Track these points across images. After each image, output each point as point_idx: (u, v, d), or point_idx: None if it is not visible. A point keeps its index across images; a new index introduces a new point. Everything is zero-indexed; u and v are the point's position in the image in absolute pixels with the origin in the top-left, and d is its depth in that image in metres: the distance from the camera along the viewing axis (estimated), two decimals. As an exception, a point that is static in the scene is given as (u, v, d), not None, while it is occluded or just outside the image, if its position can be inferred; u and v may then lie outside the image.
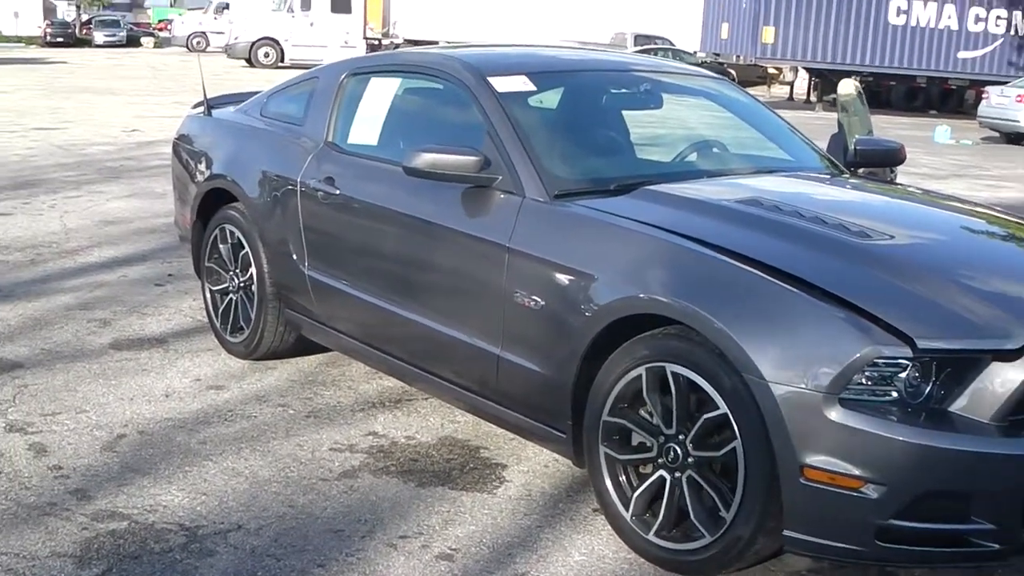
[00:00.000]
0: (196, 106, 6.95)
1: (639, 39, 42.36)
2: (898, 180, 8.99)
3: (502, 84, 4.89)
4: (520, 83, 4.96)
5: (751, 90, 7.69)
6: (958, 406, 3.44)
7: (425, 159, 4.50)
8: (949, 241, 4.47)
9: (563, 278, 4.15)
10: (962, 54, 33.87)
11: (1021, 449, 3.40)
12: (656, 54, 30.88)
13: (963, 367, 3.45)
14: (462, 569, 3.88)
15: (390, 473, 4.65)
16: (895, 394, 3.43)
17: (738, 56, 35.02)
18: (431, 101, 5.50)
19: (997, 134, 26.12)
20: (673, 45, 41.67)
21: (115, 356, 6.02)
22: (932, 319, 3.53)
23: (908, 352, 3.38)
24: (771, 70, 41.33)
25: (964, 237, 4.61)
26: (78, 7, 60.64)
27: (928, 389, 3.45)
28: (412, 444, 4.97)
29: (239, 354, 6.03)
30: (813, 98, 35.85)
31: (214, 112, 6.68)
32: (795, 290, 3.61)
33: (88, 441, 4.85)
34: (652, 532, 3.90)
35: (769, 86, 41.51)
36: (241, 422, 5.15)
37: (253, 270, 5.83)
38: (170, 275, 7.89)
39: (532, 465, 4.78)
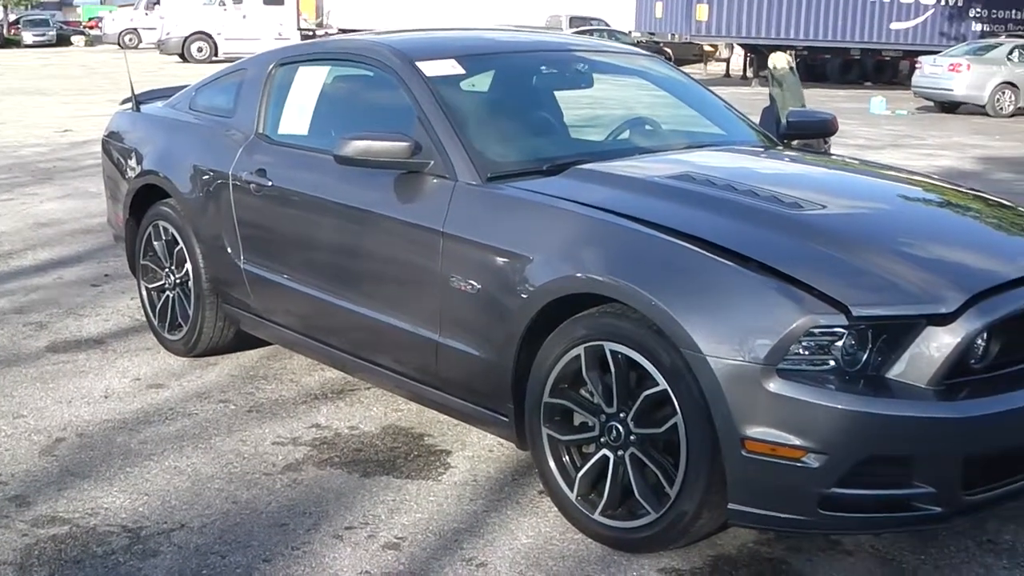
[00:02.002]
0: (124, 102, 6.85)
1: (574, 21, 42.50)
2: (832, 151, 9.05)
3: (431, 68, 4.85)
4: (449, 67, 4.92)
5: (688, 68, 7.69)
6: (895, 372, 3.46)
7: (355, 147, 4.45)
8: (884, 209, 4.49)
9: (498, 261, 4.13)
10: (895, 25, 34.13)
11: (958, 412, 3.43)
12: (592, 35, 30.90)
13: (899, 333, 3.47)
14: (409, 557, 3.86)
15: (334, 464, 4.61)
16: (832, 363, 3.45)
17: (673, 34, 35.08)
18: (360, 88, 5.45)
19: (931, 103, 26.44)
20: (608, 26, 41.79)
21: (52, 359, 5.93)
22: (866, 286, 3.55)
23: (843, 320, 3.40)
24: (707, 47, 41.50)
25: (899, 204, 4.63)
26: (4, 7, 59.39)
27: (865, 356, 3.46)
28: (355, 434, 4.93)
29: (178, 352, 5.96)
30: (749, 74, 36.03)
31: (143, 107, 6.59)
32: (729, 263, 3.62)
33: (26, 446, 4.77)
34: (598, 512, 3.90)
35: (706, 64, 41.69)
36: (182, 420, 5.09)
37: (189, 266, 5.76)
38: (106, 275, 7.78)
39: (476, 450, 4.77)
